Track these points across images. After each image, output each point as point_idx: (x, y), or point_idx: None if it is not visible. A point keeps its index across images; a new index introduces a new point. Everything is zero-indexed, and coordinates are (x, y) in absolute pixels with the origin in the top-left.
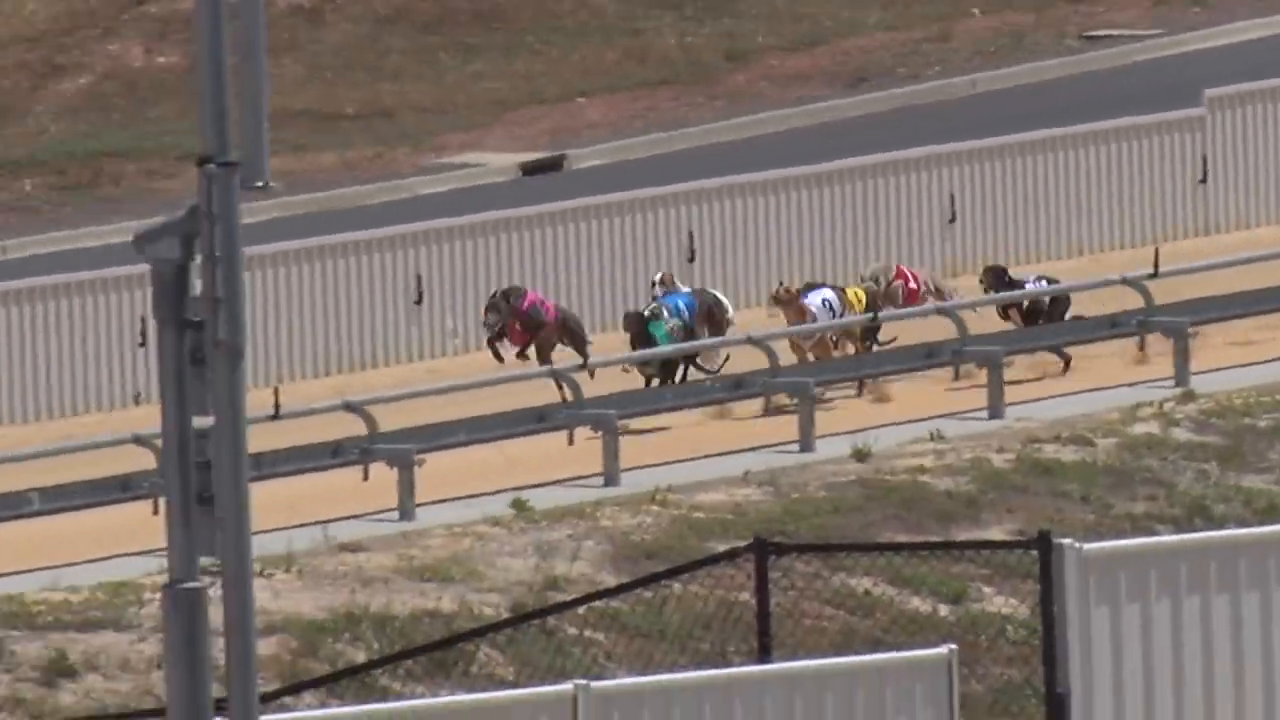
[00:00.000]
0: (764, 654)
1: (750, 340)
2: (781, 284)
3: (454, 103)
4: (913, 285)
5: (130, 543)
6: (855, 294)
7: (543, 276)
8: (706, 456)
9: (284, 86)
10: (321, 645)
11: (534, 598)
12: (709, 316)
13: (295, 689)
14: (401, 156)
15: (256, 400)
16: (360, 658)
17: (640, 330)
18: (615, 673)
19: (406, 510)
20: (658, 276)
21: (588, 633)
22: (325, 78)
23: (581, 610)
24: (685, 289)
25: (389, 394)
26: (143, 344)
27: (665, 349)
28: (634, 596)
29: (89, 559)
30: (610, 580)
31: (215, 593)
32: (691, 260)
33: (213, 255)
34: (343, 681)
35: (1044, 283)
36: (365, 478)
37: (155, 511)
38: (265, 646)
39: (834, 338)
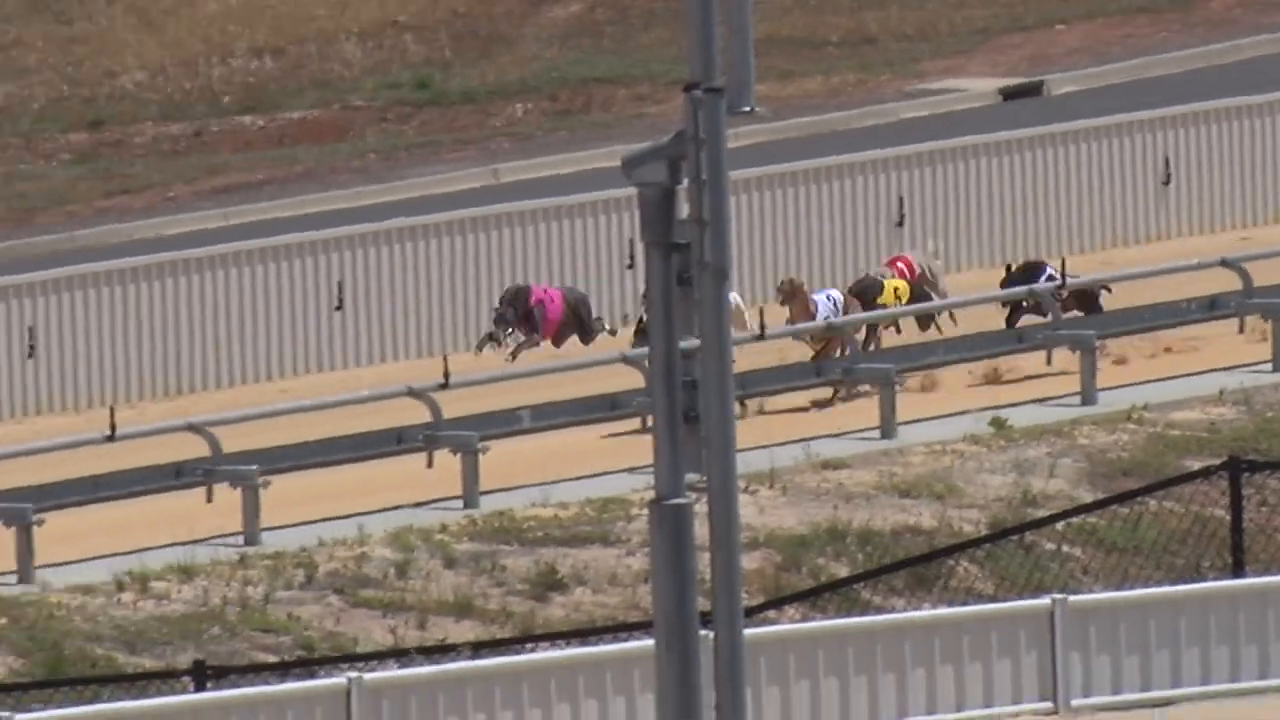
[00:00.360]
0: (1238, 569)
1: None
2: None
3: (936, 30)
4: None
5: (618, 460)
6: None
7: (1019, 200)
8: (1182, 376)
9: (770, 14)
10: (804, 559)
11: (1012, 514)
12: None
13: (778, 603)
14: (884, 82)
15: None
16: (842, 572)
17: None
18: (1091, 587)
19: (888, 428)
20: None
21: (1065, 548)
22: (810, 5)
23: (1059, 526)
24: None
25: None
26: (630, 266)
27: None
28: (1110, 512)
29: (578, 476)
30: (1087, 497)
31: (700, 508)
32: (1166, 183)
33: (699, 179)
34: (824, 595)
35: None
36: (836, 398)
37: (643, 429)
38: (749, 561)
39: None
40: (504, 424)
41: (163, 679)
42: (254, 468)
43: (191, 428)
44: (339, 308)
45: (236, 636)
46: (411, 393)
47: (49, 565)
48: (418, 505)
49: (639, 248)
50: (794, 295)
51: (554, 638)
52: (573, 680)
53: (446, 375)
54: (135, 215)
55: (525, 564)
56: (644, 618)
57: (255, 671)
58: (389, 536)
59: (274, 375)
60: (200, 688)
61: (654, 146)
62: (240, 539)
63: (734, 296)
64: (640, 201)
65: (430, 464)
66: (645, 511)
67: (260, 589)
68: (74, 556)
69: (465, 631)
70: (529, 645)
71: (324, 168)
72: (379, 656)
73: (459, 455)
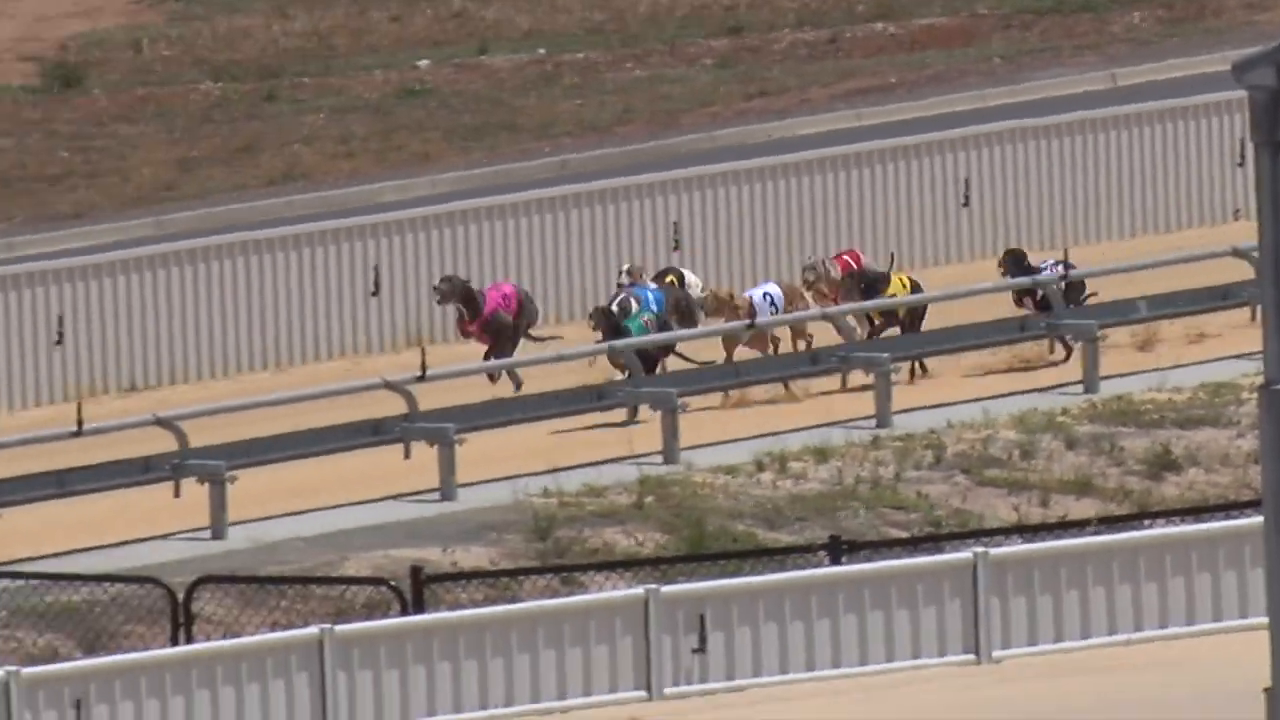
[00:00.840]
0: None
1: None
2: (711, 290)
3: None
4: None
5: (1230, 348)
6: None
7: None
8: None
9: None
10: None
11: None
12: (677, 308)
13: None
14: None
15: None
16: None
17: (611, 326)
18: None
19: None
20: (625, 268)
21: None
22: None
23: None
24: (652, 284)
25: None
26: (1240, 164)
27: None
28: None
29: (1192, 362)
30: None
31: None
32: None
33: None
34: None
35: (1060, 268)
36: None
37: (1252, 320)
38: None
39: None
40: (1122, 313)
41: (800, 553)
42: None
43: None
44: (965, 204)
45: (869, 513)
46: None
47: (693, 447)
48: (1041, 390)
49: (1249, 148)
50: (719, 309)
51: (1168, 515)
52: (1186, 555)
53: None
54: (773, 116)
55: (1142, 445)
56: (1254, 496)
57: (887, 546)
58: (1013, 420)
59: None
60: (835, 561)
61: (1264, 52)
62: (873, 422)
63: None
64: (1250, 104)
65: (1053, 350)
66: (1254, 396)
67: (890, 469)
68: (718, 439)
69: (1085, 509)
70: (1145, 522)
71: (952, 71)
72: (1003, 532)
73: (1078, 343)
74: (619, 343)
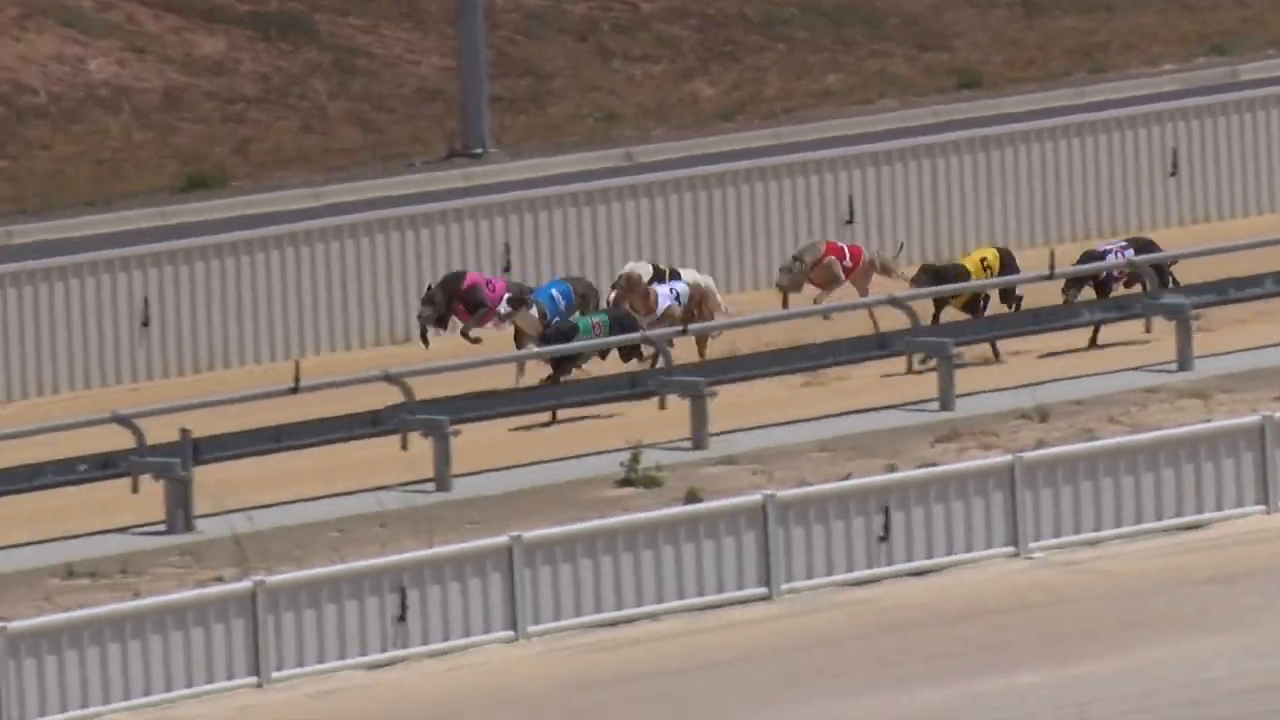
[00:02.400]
0: None
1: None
2: (623, 274)
3: None
4: (848, 262)
5: None
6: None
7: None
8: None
9: None
10: None
11: None
12: (585, 299)
13: None
14: None
15: None
16: None
17: (559, 333)
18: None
19: None
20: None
21: None
22: None
23: None
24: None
25: None
26: None
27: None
28: None
29: None
30: None
31: None
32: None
33: None
34: None
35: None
36: None
37: None
38: None
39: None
40: None
41: None
42: None
43: None
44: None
45: None
46: None
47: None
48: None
49: None
50: (631, 289)
51: None
52: None
53: None
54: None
55: None
56: None
57: None
58: None
59: None
60: None
61: None
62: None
63: (703, 277)
64: None
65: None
66: None
67: None
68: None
69: None
70: None
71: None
72: None
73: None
74: (565, 347)
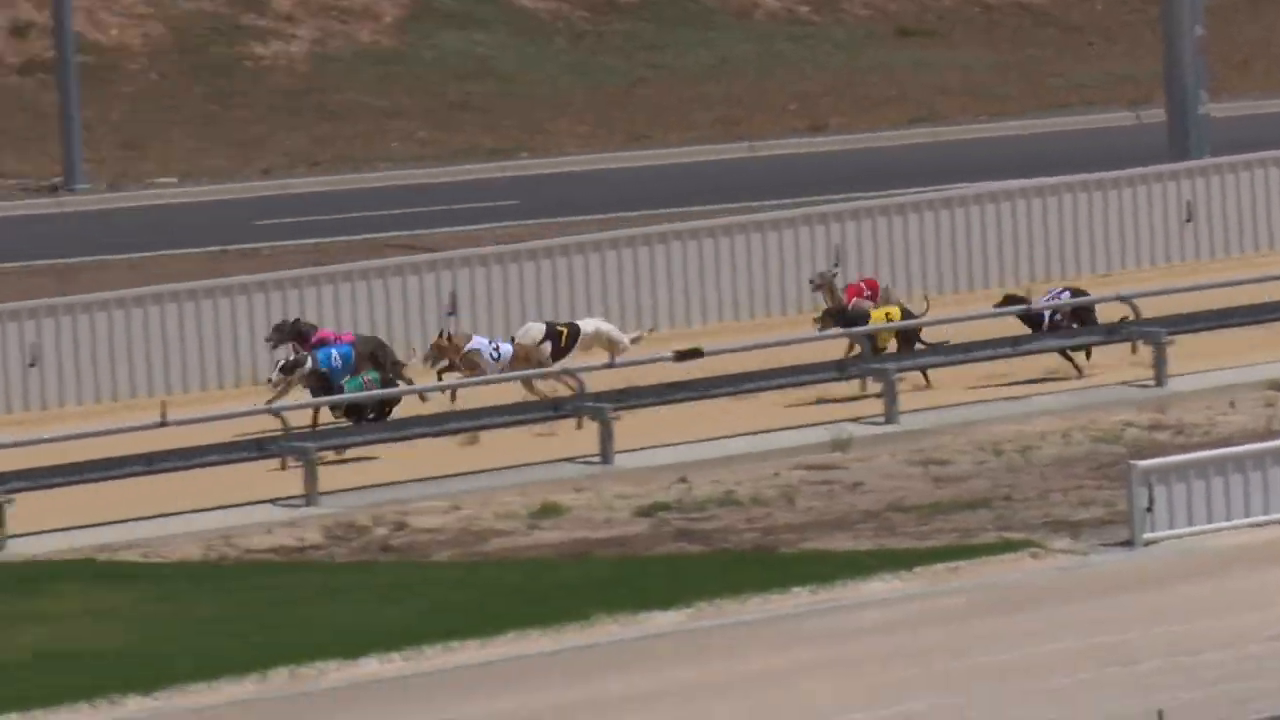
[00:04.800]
0: None
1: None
2: (442, 333)
3: None
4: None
5: None
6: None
7: None
8: None
9: None
10: None
11: None
12: (373, 359)
13: None
14: None
15: None
16: None
17: (323, 385)
18: None
19: None
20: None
21: None
22: None
23: None
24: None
25: None
26: None
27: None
28: None
29: None
30: None
31: None
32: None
33: None
34: None
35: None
36: None
37: None
38: None
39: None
40: None
41: None
42: None
43: None
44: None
45: None
46: None
47: None
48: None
49: None
50: (442, 355)
51: None
52: None
53: None
54: None
55: None
56: None
57: None
58: None
59: None
60: None
61: None
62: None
63: (601, 324)
64: None
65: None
66: None
67: None
68: None
69: None
70: None
71: None
72: None
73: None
74: (331, 399)
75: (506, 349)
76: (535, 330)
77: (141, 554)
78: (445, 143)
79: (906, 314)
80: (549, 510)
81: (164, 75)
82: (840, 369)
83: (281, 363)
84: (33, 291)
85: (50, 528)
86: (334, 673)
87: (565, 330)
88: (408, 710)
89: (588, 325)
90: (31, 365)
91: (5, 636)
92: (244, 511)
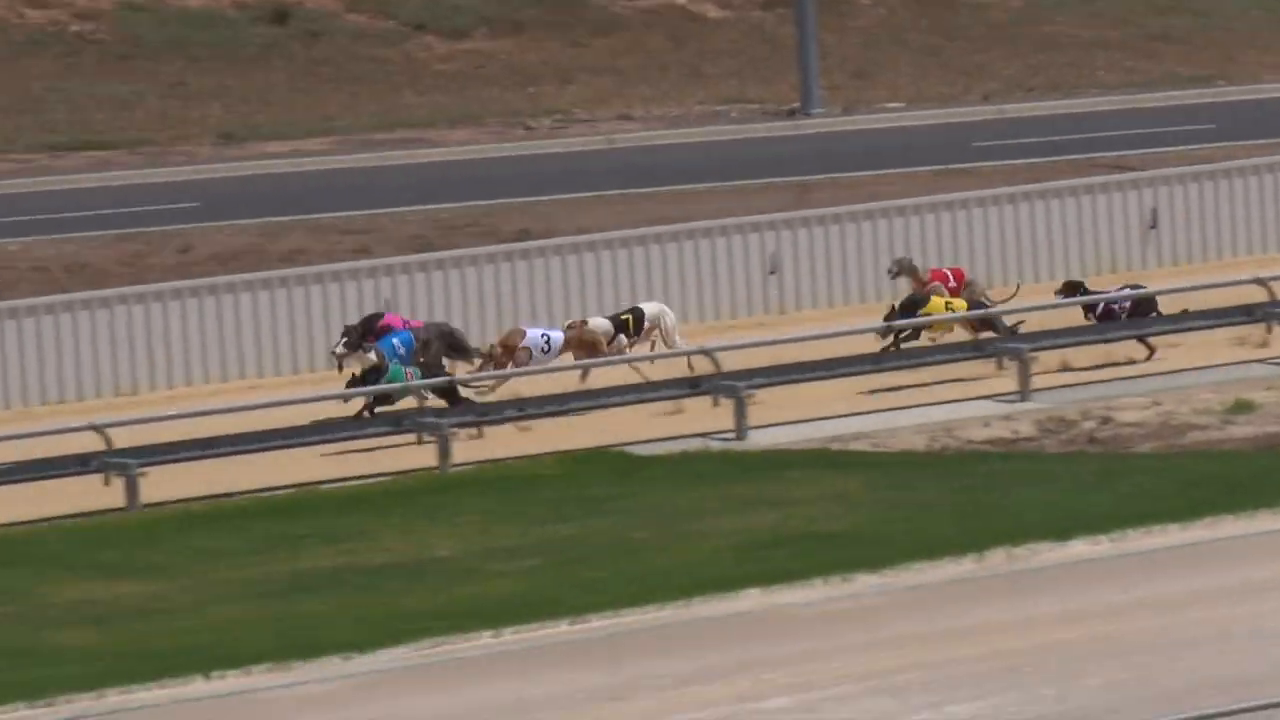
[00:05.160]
0: None
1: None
2: (492, 347)
3: None
4: (953, 284)
5: None
6: None
7: None
8: None
9: None
10: None
11: None
12: (426, 348)
13: None
14: None
15: None
16: None
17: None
18: None
19: None
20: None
21: None
22: None
23: None
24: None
25: None
26: None
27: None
28: None
29: None
30: None
31: None
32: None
33: None
34: None
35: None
36: None
37: None
38: None
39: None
40: None
41: None
42: None
43: None
44: None
45: None
46: None
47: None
48: None
49: None
50: (499, 359)
51: None
52: None
53: None
54: None
55: None
56: None
57: None
58: None
59: None
60: None
61: None
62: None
63: (662, 308)
64: None
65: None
66: None
67: None
68: None
69: None
70: None
71: None
72: None
73: None
74: (378, 388)
75: (557, 336)
76: (599, 323)
77: (870, 444)
78: (1147, 71)
79: (976, 306)
80: (1242, 406)
81: (892, 10)
82: None
83: (344, 340)
84: (773, 206)
85: (787, 419)
86: (1046, 553)
87: (629, 317)
88: (1108, 589)
89: (649, 307)
90: (771, 273)
91: (748, 518)
92: (964, 406)
